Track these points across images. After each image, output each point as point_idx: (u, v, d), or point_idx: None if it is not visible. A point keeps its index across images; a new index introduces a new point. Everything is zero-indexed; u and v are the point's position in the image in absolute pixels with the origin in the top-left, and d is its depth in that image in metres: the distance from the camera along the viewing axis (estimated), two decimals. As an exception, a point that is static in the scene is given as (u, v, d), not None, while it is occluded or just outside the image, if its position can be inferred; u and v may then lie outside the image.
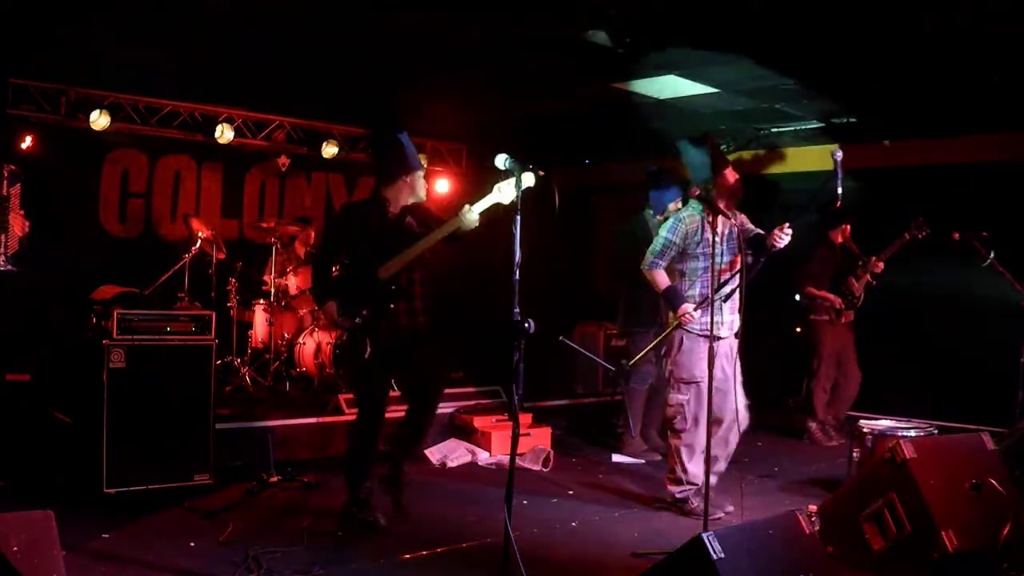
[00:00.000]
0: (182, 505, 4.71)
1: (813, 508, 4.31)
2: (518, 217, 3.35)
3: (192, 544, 4.13)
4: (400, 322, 4.41)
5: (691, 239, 4.76)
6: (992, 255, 6.00)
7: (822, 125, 7.44)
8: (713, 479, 4.88)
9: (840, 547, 4.04)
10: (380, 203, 4.55)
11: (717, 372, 4.72)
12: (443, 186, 9.41)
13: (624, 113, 7.36)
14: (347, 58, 6.11)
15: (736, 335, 4.82)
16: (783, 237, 4.41)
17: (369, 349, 4.36)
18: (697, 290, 4.77)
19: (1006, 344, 6.11)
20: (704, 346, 4.57)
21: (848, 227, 7.05)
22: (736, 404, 4.76)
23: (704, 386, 4.58)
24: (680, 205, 6.15)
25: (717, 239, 4.65)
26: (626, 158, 9.44)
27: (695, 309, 4.68)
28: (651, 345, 5.18)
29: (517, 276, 3.36)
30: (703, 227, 4.74)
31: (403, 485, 4.66)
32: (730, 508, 4.79)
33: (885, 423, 5.44)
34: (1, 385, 6.95)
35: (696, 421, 4.73)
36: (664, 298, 4.89)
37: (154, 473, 4.90)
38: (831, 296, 6.91)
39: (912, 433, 5.00)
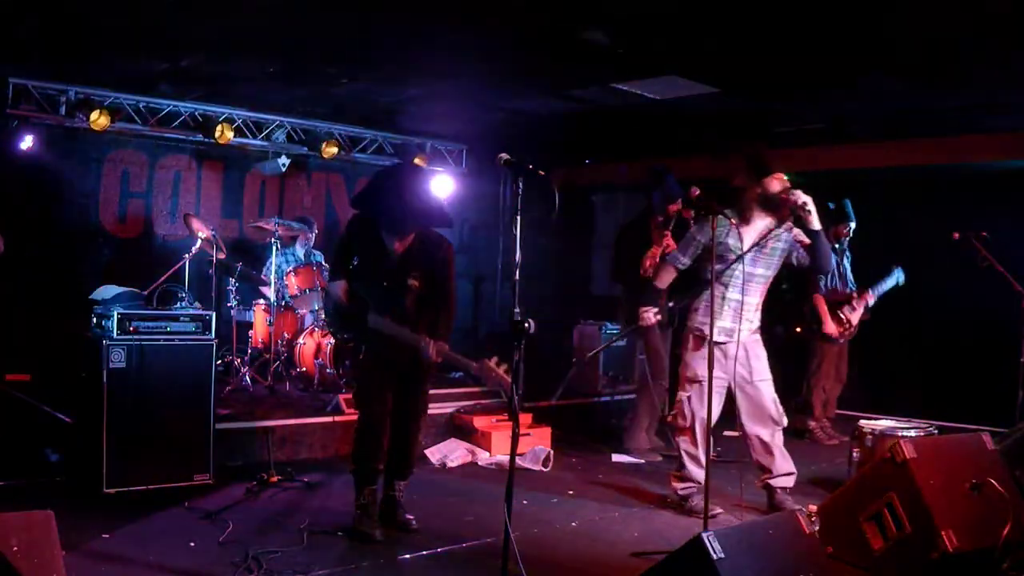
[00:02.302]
0: (182, 505, 4.71)
1: (813, 508, 4.31)
2: (518, 217, 3.34)
3: (192, 544, 4.12)
4: (390, 341, 4.29)
5: (718, 240, 4.65)
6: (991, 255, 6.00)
7: (822, 125, 7.44)
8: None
9: (840, 547, 4.04)
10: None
11: (719, 373, 4.71)
12: (443, 186, 9.41)
13: (624, 113, 7.35)
14: (347, 58, 6.10)
15: (756, 331, 4.82)
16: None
17: (361, 358, 4.35)
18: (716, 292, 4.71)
19: (1006, 344, 6.11)
20: (703, 346, 4.65)
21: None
22: (766, 402, 4.78)
23: (704, 386, 4.62)
24: (680, 206, 6.17)
25: (743, 247, 4.63)
26: (626, 158, 9.45)
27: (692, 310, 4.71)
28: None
29: (517, 276, 3.36)
30: (731, 231, 4.68)
31: (399, 504, 4.58)
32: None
33: (885, 423, 5.44)
34: (1, 385, 6.96)
35: (695, 418, 4.74)
36: (650, 292, 4.92)
37: (154, 473, 4.90)
38: (829, 328, 6.80)
39: (912, 433, 5.00)
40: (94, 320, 5.17)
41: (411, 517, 4.54)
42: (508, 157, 3.52)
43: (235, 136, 7.89)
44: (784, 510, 4.53)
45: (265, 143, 8.26)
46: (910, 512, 3.76)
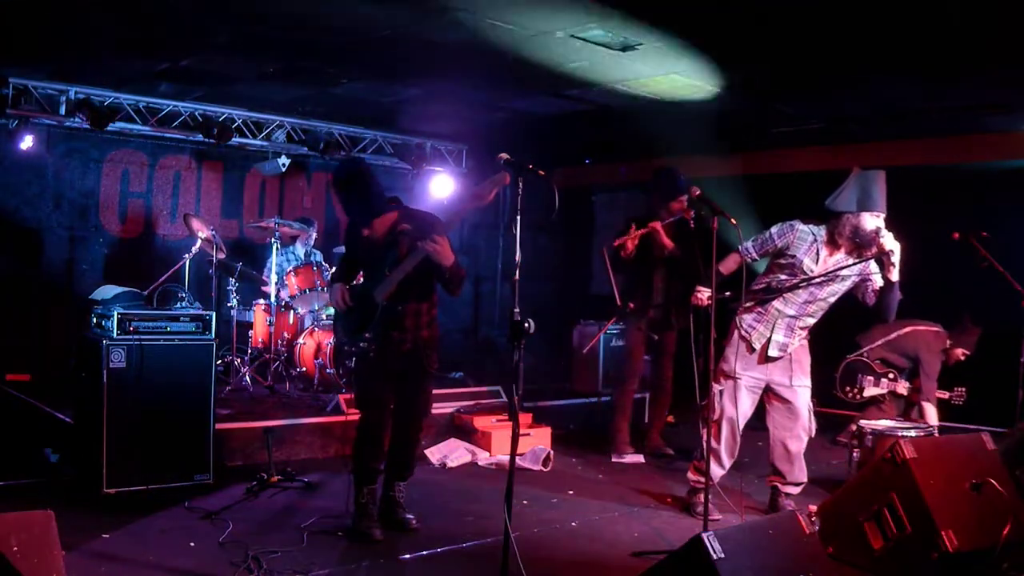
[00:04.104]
0: (182, 505, 4.71)
1: (813, 508, 4.31)
2: (518, 217, 3.35)
3: (192, 544, 4.12)
4: (392, 336, 4.31)
5: (791, 248, 4.59)
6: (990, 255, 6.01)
7: (822, 125, 7.44)
8: (718, 476, 4.88)
9: (840, 547, 4.04)
10: None
11: (757, 373, 4.72)
12: (443, 186, 9.42)
13: (624, 113, 7.36)
14: (347, 58, 6.11)
15: (804, 339, 4.77)
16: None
17: (368, 359, 4.33)
18: (773, 302, 4.66)
19: (1006, 344, 6.11)
20: (744, 347, 4.68)
21: None
22: (801, 408, 4.74)
23: (736, 384, 4.67)
24: (684, 204, 6.14)
25: (817, 268, 4.54)
26: (626, 158, 9.45)
27: (731, 303, 4.66)
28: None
29: (517, 276, 3.36)
30: (811, 249, 4.55)
31: (398, 504, 4.59)
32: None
33: (885, 423, 5.44)
34: (1, 385, 6.96)
35: (723, 414, 4.73)
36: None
37: (154, 473, 4.90)
38: None
39: (912, 433, 5.00)
40: (94, 320, 5.16)
41: (411, 517, 4.54)
42: (508, 157, 3.53)
43: (235, 136, 7.89)
44: (784, 511, 4.53)
45: (265, 143, 8.27)
46: (910, 512, 3.77)
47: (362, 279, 4.57)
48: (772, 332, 4.66)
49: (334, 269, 4.60)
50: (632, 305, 6.19)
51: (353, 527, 4.36)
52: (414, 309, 4.34)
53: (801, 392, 4.74)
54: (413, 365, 4.40)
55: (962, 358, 6.55)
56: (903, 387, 6.60)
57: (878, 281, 4.51)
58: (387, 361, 4.34)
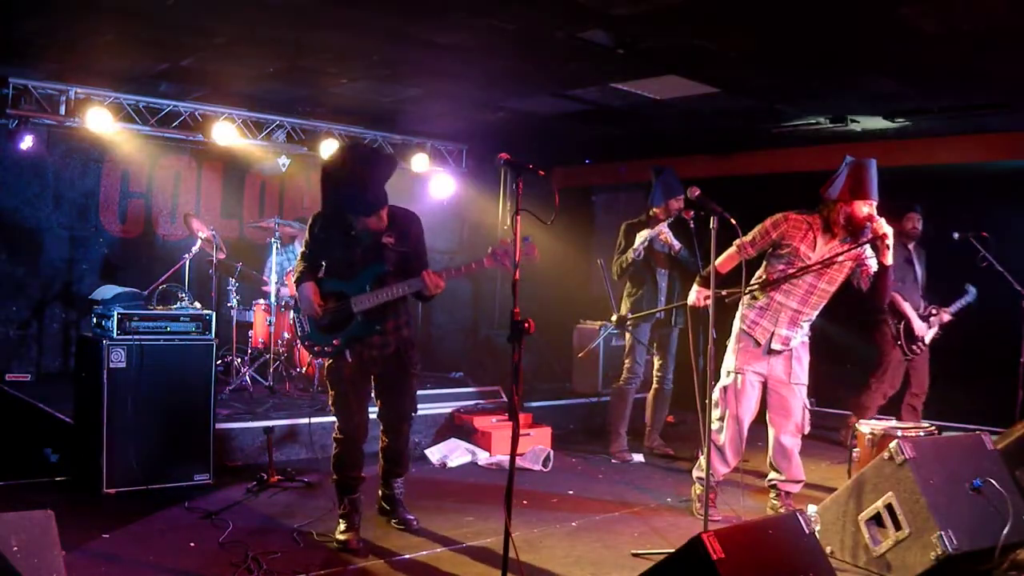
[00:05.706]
0: (182, 505, 4.71)
1: (813, 508, 4.31)
2: (518, 218, 3.35)
3: (192, 544, 4.13)
4: (373, 341, 4.25)
5: (787, 238, 4.61)
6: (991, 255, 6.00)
7: (822, 125, 7.44)
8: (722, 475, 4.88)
9: (840, 547, 4.04)
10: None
11: (758, 368, 4.71)
12: (443, 186, 9.42)
13: (624, 113, 7.35)
14: (347, 58, 6.11)
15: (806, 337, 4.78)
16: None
17: (344, 363, 4.26)
18: (775, 296, 4.66)
19: (1006, 344, 6.11)
20: (748, 343, 4.68)
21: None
22: (795, 407, 4.74)
23: (740, 380, 4.66)
24: (683, 203, 6.12)
25: (814, 256, 4.55)
26: (626, 158, 9.45)
27: (726, 299, 4.65)
28: (658, 309, 5.91)
29: (517, 276, 3.36)
30: (807, 236, 4.57)
31: (398, 503, 4.58)
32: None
33: (885, 423, 5.44)
34: (1, 385, 6.96)
35: (729, 412, 4.72)
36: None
37: (154, 473, 4.90)
38: (919, 325, 6.50)
39: (912, 433, 5.00)
40: (94, 320, 5.16)
41: (412, 517, 4.54)
42: (508, 157, 3.52)
43: (235, 136, 7.89)
44: (784, 511, 4.53)
45: (265, 143, 8.26)
46: (910, 512, 3.77)
47: (325, 271, 4.30)
48: (776, 326, 4.67)
49: (295, 270, 4.39)
50: (631, 316, 6.17)
51: (334, 536, 4.25)
52: (393, 313, 4.28)
53: (798, 390, 4.75)
54: (395, 367, 4.34)
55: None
56: (946, 313, 6.48)
57: (873, 265, 4.56)
58: (369, 366, 4.29)
